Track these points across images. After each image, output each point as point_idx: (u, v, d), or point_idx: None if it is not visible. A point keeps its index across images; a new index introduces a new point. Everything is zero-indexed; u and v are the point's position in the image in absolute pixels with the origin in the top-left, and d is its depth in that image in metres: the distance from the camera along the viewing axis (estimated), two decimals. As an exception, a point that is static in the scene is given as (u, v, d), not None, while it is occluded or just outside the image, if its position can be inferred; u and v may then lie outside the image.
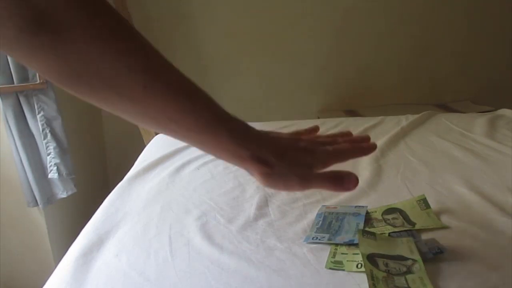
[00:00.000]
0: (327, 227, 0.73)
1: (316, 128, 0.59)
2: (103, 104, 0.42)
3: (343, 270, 0.62)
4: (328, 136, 0.54)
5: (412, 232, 0.70)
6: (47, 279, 0.64)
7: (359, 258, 0.63)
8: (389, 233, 0.71)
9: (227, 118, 0.45)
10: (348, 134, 0.55)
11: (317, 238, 0.70)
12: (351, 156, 0.50)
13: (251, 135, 0.46)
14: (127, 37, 0.40)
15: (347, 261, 0.64)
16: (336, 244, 0.68)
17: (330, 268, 0.63)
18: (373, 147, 0.51)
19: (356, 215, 0.76)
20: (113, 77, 0.39)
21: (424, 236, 0.69)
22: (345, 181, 0.46)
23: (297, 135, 0.55)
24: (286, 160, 0.46)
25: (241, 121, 0.46)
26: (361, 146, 0.51)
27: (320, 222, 0.75)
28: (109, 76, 0.39)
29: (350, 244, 0.67)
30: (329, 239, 0.69)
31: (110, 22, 0.39)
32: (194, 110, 0.42)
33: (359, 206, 0.80)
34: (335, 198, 0.86)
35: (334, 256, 0.65)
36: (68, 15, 0.36)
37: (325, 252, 0.67)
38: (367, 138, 0.54)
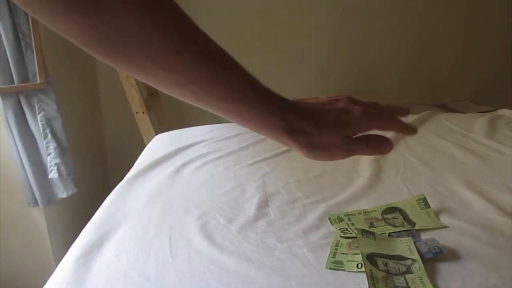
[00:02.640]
0: None
1: (349, 96, 0.53)
2: (137, 72, 0.41)
3: (343, 270, 0.62)
4: (369, 102, 0.50)
5: (412, 232, 0.70)
6: (47, 279, 0.64)
7: (359, 258, 0.63)
8: (389, 233, 0.71)
9: (261, 88, 0.43)
10: (389, 104, 0.52)
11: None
12: (392, 128, 0.47)
13: (287, 105, 0.44)
14: (160, 3, 0.39)
15: (347, 261, 0.64)
16: (337, 244, 0.68)
17: (331, 268, 0.63)
18: (413, 131, 0.49)
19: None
20: (147, 43, 0.38)
21: (424, 236, 0.69)
22: (382, 147, 0.45)
23: (334, 97, 0.51)
24: (325, 126, 0.44)
25: (274, 92, 0.44)
26: (404, 123, 0.49)
27: None
28: (143, 42, 0.38)
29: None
30: None
31: None
32: (228, 79, 0.41)
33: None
34: (335, 198, 0.86)
35: (334, 256, 0.65)
36: None
37: (325, 252, 0.67)
38: (407, 110, 0.50)
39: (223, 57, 0.42)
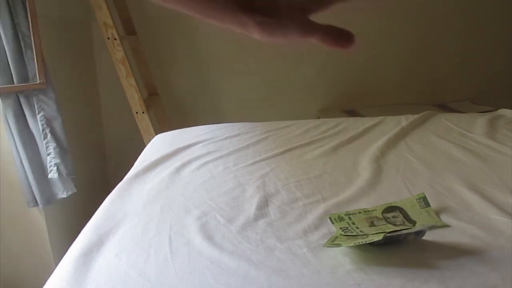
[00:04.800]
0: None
1: None
2: None
3: (340, 246, 0.65)
4: None
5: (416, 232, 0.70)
6: (47, 279, 0.64)
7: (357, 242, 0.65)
8: (389, 232, 0.71)
9: None
10: None
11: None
12: None
13: None
14: None
15: (345, 242, 0.66)
16: (337, 237, 0.69)
17: (328, 246, 0.66)
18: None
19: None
20: None
21: (424, 236, 0.69)
22: (344, 36, 0.43)
23: None
24: (280, 4, 0.43)
25: None
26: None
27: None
28: None
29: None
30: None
31: None
32: None
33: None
34: (335, 198, 0.85)
35: (333, 240, 0.67)
36: None
37: (325, 252, 0.67)
38: None
39: None
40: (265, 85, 2.30)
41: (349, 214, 0.77)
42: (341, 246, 0.66)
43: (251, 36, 0.43)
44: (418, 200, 0.79)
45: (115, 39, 1.74)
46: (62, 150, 1.50)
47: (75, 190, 1.57)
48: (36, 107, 1.46)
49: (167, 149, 1.17)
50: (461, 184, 0.89)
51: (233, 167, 1.05)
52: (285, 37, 0.44)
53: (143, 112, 1.82)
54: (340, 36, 0.43)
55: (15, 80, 1.41)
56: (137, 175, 1.01)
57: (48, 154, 1.48)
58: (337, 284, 0.59)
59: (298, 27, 0.43)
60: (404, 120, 1.37)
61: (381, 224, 0.74)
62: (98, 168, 2.27)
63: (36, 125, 1.47)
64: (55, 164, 1.48)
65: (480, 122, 1.31)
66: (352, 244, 0.65)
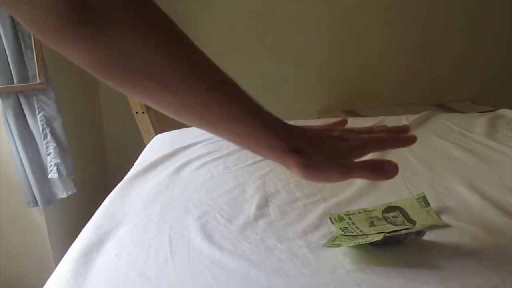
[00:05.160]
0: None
1: (344, 121, 0.57)
2: (145, 96, 0.42)
3: (340, 246, 0.65)
4: (364, 128, 0.53)
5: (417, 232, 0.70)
6: (47, 279, 0.64)
7: (357, 242, 0.65)
8: (390, 231, 0.71)
9: (262, 110, 0.45)
10: (384, 126, 0.54)
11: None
12: (389, 146, 0.49)
13: (286, 127, 0.46)
14: (166, 27, 0.41)
15: (345, 242, 0.66)
16: (336, 237, 0.69)
17: (328, 246, 0.66)
18: (412, 139, 0.49)
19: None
20: (154, 66, 0.39)
21: (424, 235, 0.69)
22: (385, 168, 0.45)
23: (329, 126, 0.54)
24: (323, 150, 0.45)
25: (275, 116, 0.46)
26: (400, 136, 0.49)
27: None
28: (150, 65, 0.39)
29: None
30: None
31: (150, 12, 0.39)
32: (231, 102, 0.43)
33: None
34: (335, 198, 0.85)
35: (333, 240, 0.67)
36: (111, 5, 0.36)
37: (325, 252, 0.67)
38: (406, 129, 0.52)
39: (225, 81, 0.44)
40: (265, 85, 2.30)
41: (349, 214, 0.77)
42: (341, 246, 0.66)
43: (292, 173, 0.46)
44: (418, 200, 0.79)
45: (115, 39, 1.74)
46: (62, 150, 1.50)
47: (75, 190, 1.57)
48: (36, 107, 1.46)
49: (167, 149, 1.17)
50: (461, 184, 0.89)
51: (233, 167, 1.05)
52: (326, 180, 0.46)
53: (143, 112, 1.82)
54: (381, 170, 0.46)
55: (15, 80, 1.41)
56: (137, 175, 1.01)
57: (48, 154, 1.48)
58: (337, 284, 0.59)
59: (338, 169, 0.45)
60: (404, 120, 1.37)
61: (381, 224, 0.74)
62: (98, 168, 2.27)
63: (36, 125, 1.47)
64: (55, 164, 1.48)
65: (480, 122, 1.31)
66: (352, 244, 0.65)
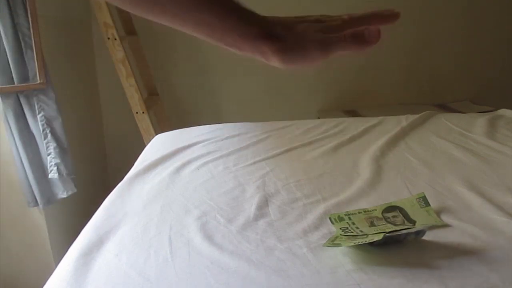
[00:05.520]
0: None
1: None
2: None
3: (340, 245, 0.65)
4: (344, 14, 0.48)
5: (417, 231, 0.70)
6: (47, 279, 0.64)
7: (357, 242, 0.65)
8: (390, 231, 0.71)
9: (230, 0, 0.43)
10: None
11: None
12: (371, 22, 0.44)
13: (256, 14, 0.44)
14: None
15: (345, 242, 0.66)
16: (337, 237, 0.69)
17: (327, 246, 0.66)
18: (396, 15, 0.45)
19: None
20: None
21: (424, 235, 0.69)
22: (366, 35, 0.42)
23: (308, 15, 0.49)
24: (298, 32, 0.43)
25: (245, 5, 0.44)
26: (382, 12, 0.45)
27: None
28: None
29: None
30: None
31: None
32: None
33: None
34: (335, 198, 0.85)
35: (333, 240, 0.67)
36: None
37: (325, 252, 0.67)
38: (391, 10, 0.46)
39: None
40: (265, 85, 2.30)
41: (349, 214, 0.77)
42: (341, 246, 0.66)
43: (271, 63, 0.43)
44: (418, 199, 0.79)
45: (115, 39, 1.74)
46: (62, 150, 1.50)
47: (75, 190, 1.57)
48: (36, 107, 1.46)
49: (167, 149, 1.17)
50: (461, 184, 0.89)
51: (233, 167, 1.05)
52: (305, 61, 0.43)
53: (143, 112, 1.82)
54: (362, 37, 0.42)
55: (15, 80, 1.41)
56: (137, 175, 1.01)
57: (48, 154, 1.48)
58: (337, 284, 0.59)
59: (317, 47, 0.42)
60: (404, 120, 1.37)
61: (381, 224, 0.74)
62: (98, 168, 2.27)
63: (36, 125, 1.47)
64: (55, 164, 1.48)
65: (480, 122, 1.31)
66: (352, 244, 0.65)
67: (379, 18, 0.45)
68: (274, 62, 0.43)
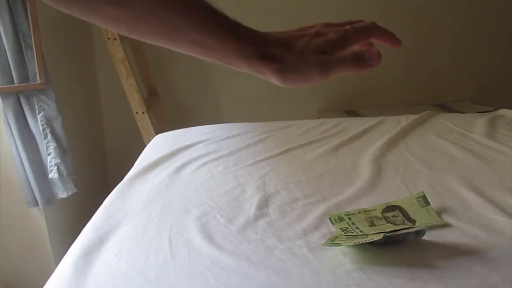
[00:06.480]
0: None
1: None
2: (87, 12, 0.42)
3: (340, 245, 0.65)
4: (345, 21, 0.47)
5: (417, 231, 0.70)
6: (47, 279, 0.64)
7: (357, 242, 0.65)
8: (390, 231, 0.71)
9: (226, 18, 0.43)
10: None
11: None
12: (375, 35, 0.44)
13: (256, 34, 0.43)
14: None
15: (345, 242, 0.66)
16: (337, 236, 0.69)
17: (328, 245, 0.66)
18: (398, 41, 0.45)
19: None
20: None
21: (424, 235, 0.69)
22: (367, 57, 0.42)
23: (310, 25, 0.48)
24: (297, 50, 0.42)
25: (243, 24, 0.44)
26: (387, 32, 0.46)
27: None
28: None
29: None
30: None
31: None
32: (191, 10, 0.41)
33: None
34: (335, 198, 0.85)
35: (333, 240, 0.67)
36: None
37: (325, 252, 0.67)
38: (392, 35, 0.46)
39: None
40: (265, 85, 2.29)
41: (349, 214, 0.77)
42: (341, 246, 0.66)
43: (269, 80, 0.43)
44: (417, 199, 0.79)
45: (115, 39, 1.74)
46: (62, 150, 1.50)
47: (75, 190, 1.57)
48: (36, 107, 1.46)
49: (167, 149, 1.17)
50: (461, 184, 0.89)
51: (233, 167, 1.05)
52: (305, 82, 0.43)
53: (143, 112, 1.82)
54: (362, 59, 0.42)
55: (15, 80, 1.41)
56: (137, 175, 1.01)
57: (48, 154, 1.48)
58: (337, 284, 0.59)
59: (316, 68, 0.42)
60: (404, 120, 1.37)
61: (381, 223, 0.74)
62: (98, 168, 2.27)
63: (36, 125, 1.47)
64: (55, 164, 1.48)
65: (480, 122, 1.31)
66: (352, 244, 0.65)
67: (381, 35, 0.45)
68: (273, 81, 0.43)
